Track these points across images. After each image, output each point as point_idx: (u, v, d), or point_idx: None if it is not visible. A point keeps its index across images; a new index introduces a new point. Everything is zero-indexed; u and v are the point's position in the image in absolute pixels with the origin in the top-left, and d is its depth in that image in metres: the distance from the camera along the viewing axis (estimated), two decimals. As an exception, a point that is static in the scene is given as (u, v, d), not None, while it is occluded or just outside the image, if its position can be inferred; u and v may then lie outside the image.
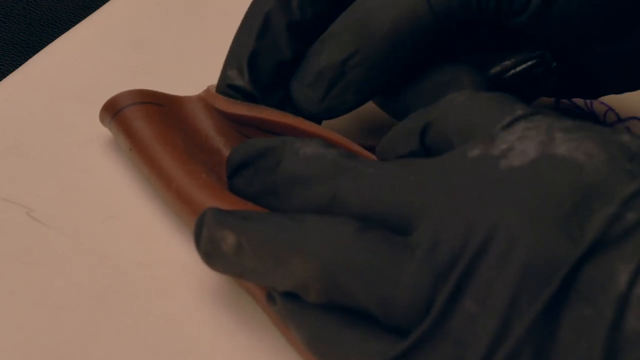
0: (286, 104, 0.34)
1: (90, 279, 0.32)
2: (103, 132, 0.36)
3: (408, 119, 0.30)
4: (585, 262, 0.23)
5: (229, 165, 0.32)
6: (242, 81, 0.34)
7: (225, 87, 0.34)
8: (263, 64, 0.34)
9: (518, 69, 0.33)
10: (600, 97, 0.37)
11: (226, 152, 0.34)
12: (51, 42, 0.42)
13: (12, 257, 0.32)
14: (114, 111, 0.34)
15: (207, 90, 0.35)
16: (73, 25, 0.43)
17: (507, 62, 0.34)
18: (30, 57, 0.41)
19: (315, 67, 0.33)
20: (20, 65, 0.41)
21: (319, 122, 0.34)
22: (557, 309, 0.23)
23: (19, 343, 0.29)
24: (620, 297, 0.22)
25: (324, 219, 0.27)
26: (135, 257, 0.32)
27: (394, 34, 0.32)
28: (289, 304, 0.27)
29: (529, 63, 0.33)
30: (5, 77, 0.40)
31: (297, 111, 0.34)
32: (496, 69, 0.34)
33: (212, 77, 0.38)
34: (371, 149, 0.34)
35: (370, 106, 0.36)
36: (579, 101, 0.41)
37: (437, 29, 0.32)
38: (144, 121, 0.34)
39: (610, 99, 0.41)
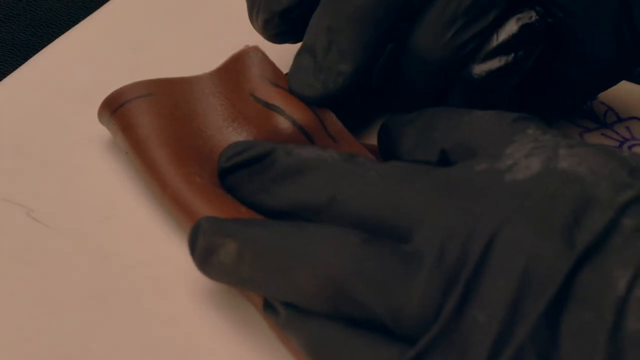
0: None
1: (90, 279, 0.32)
2: (102, 132, 0.36)
3: (428, 128, 0.30)
4: (582, 267, 0.23)
5: (221, 161, 0.31)
6: None
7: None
8: None
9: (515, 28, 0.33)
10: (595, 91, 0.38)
11: (227, 128, 0.34)
12: (51, 42, 0.42)
13: (12, 257, 0.32)
14: (109, 111, 0.34)
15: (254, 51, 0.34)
16: (73, 25, 0.43)
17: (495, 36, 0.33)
18: (30, 57, 0.41)
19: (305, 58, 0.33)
20: (20, 65, 0.41)
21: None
22: (558, 314, 0.23)
23: (19, 343, 0.29)
24: (619, 300, 0.23)
25: (328, 228, 0.27)
26: (135, 257, 0.32)
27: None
28: (291, 313, 0.27)
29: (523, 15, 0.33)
30: (5, 77, 0.40)
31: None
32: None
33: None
34: (372, 150, 0.34)
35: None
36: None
37: None
38: (136, 120, 0.33)
39: (610, 99, 0.41)
